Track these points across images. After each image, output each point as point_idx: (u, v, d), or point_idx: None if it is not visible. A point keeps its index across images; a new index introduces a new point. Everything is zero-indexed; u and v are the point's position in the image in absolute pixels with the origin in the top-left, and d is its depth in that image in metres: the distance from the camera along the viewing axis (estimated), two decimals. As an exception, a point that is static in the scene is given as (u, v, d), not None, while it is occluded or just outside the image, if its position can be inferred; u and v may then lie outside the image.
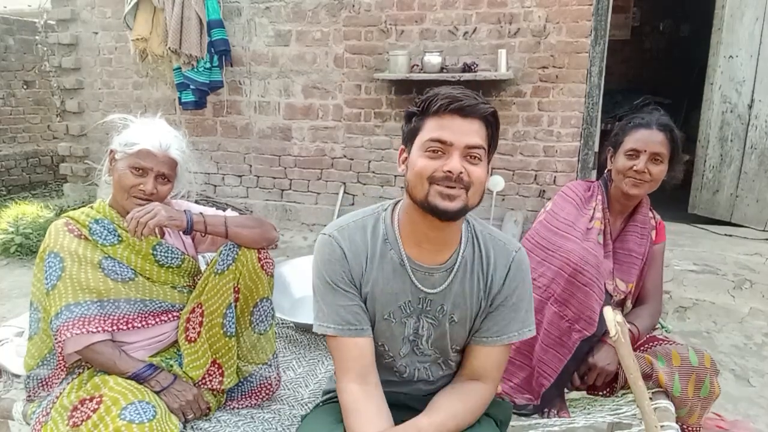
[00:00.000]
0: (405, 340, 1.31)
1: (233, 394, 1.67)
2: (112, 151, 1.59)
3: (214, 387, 1.59)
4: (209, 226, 1.54)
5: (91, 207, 1.61)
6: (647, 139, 1.70)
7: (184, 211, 1.55)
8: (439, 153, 1.14)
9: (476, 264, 1.27)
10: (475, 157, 1.14)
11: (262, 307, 1.65)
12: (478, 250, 1.28)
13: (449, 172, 1.12)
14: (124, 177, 1.54)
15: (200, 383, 1.57)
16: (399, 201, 1.30)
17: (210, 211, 1.70)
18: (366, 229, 1.27)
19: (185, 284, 1.66)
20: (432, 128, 1.14)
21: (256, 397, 1.69)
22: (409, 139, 1.21)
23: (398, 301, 1.26)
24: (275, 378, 1.71)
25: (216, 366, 1.59)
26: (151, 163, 1.54)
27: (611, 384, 1.73)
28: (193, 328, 1.58)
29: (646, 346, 1.77)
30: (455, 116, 1.13)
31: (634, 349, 1.64)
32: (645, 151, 1.69)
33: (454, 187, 1.13)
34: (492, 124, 1.17)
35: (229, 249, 1.58)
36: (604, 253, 1.78)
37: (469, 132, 1.13)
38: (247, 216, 1.67)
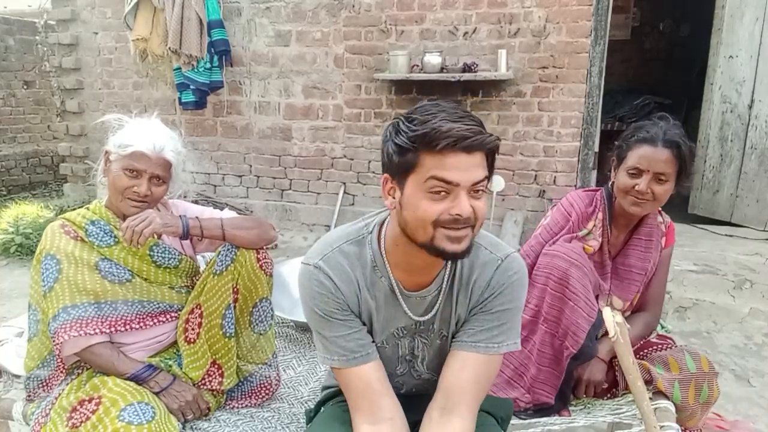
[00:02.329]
0: (401, 360, 1.28)
1: (233, 394, 1.67)
2: (107, 152, 1.58)
3: (214, 388, 1.59)
4: (206, 230, 1.54)
5: (87, 208, 1.60)
6: (651, 157, 1.60)
7: (180, 216, 1.54)
8: (443, 193, 1.02)
9: (457, 279, 1.20)
10: (479, 191, 1.05)
11: (262, 307, 1.65)
12: (464, 263, 1.20)
13: (459, 215, 1.02)
14: (118, 179, 1.53)
15: (200, 384, 1.57)
16: (384, 221, 1.21)
17: (208, 212, 1.70)
18: (351, 256, 1.18)
19: (183, 284, 1.66)
20: (434, 166, 1.01)
21: (256, 397, 1.69)
22: (400, 172, 1.06)
23: (391, 328, 1.23)
24: (275, 378, 1.71)
25: (216, 366, 1.59)
26: (145, 165, 1.53)
27: (611, 389, 1.72)
28: (192, 329, 1.58)
29: (643, 352, 1.75)
30: (459, 153, 1.01)
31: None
32: (648, 170, 1.60)
33: (462, 228, 1.04)
34: (493, 151, 1.07)
35: (228, 249, 1.58)
36: (602, 274, 1.74)
37: (474, 167, 1.02)
38: (245, 216, 1.67)
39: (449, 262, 1.18)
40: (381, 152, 1.12)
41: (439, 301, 1.20)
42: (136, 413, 1.32)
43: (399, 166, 1.06)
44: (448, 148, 1.00)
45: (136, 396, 1.38)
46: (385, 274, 1.18)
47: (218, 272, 1.56)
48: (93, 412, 1.35)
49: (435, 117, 1.02)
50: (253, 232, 1.58)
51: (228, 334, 1.58)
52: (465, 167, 1.01)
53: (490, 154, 1.06)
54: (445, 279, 1.20)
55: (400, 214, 1.09)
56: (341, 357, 1.17)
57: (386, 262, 1.17)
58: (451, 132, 0.99)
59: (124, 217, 1.58)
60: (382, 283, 1.18)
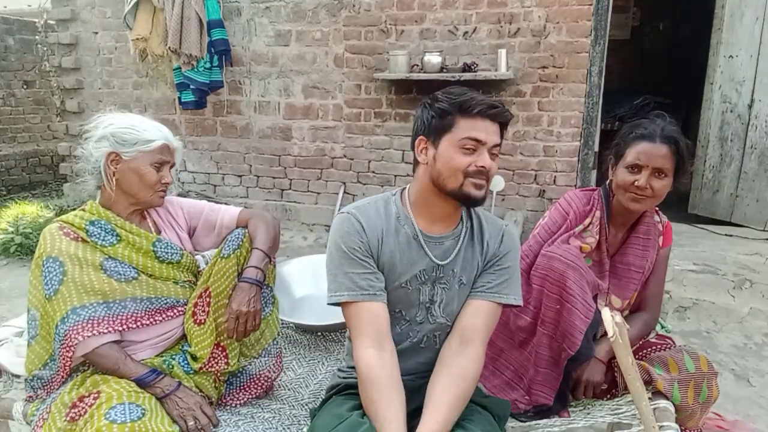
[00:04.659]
0: (421, 306, 1.42)
1: (232, 387, 1.68)
2: (112, 153, 1.54)
3: (221, 369, 1.59)
4: (264, 270, 1.61)
5: (83, 209, 1.60)
6: (650, 152, 1.62)
7: (247, 283, 1.57)
8: (471, 150, 1.31)
9: (476, 232, 1.45)
10: (495, 153, 1.35)
11: (263, 293, 1.66)
12: (477, 221, 1.46)
13: (482, 167, 1.31)
14: (149, 175, 1.56)
15: (206, 366, 1.57)
16: (405, 188, 1.48)
17: (207, 207, 1.76)
18: (379, 210, 1.43)
19: (186, 279, 1.67)
20: (468, 128, 1.31)
21: (255, 387, 1.69)
22: (437, 133, 1.34)
23: (414, 270, 1.39)
24: (274, 365, 1.73)
25: (220, 348, 1.60)
26: (169, 155, 1.62)
27: (610, 390, 1.72)
28: (202, 311, 1.59)
29: (642, 353, 1.75)
30: (486, 119, 1.31)
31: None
32: (647, 165, 1.62)
33: (483, 179, 1.33)
34: (506, 125, 1.38)
35: (235, 236, 1.62)
36: (600, 272, 1.74)
37: (494, 132, 1.33)
38: (265, 228, 1.67)
39: (463, 218, 1.45)
40: (415, 121, 1.41)
41: (457, 248, 1.41)
42: (122, 412, 1.31)
43: (436, 128, 1.34)
44: (479, 114, 1.30)
45: (131, 396, 1.38)
46: (408, 223, 1.41)
47: (225, 255, 1.60)
48: (90, 406, 1.35)
49: (468, 92, 1.34)
50: (277, 242, 1.69)
51: None
52: (489, 131, 1.32)
53: (503, 127, 1.37)
54: (463, 231, 1.43)
55: (433, 167, 1.34)
56: (351, 291, 1.34)
57: (410, 213, 1.42)
58: (484, 101, 1.31)
59: (128, 215, 1.60)
60: (405, 230, 1.41)
